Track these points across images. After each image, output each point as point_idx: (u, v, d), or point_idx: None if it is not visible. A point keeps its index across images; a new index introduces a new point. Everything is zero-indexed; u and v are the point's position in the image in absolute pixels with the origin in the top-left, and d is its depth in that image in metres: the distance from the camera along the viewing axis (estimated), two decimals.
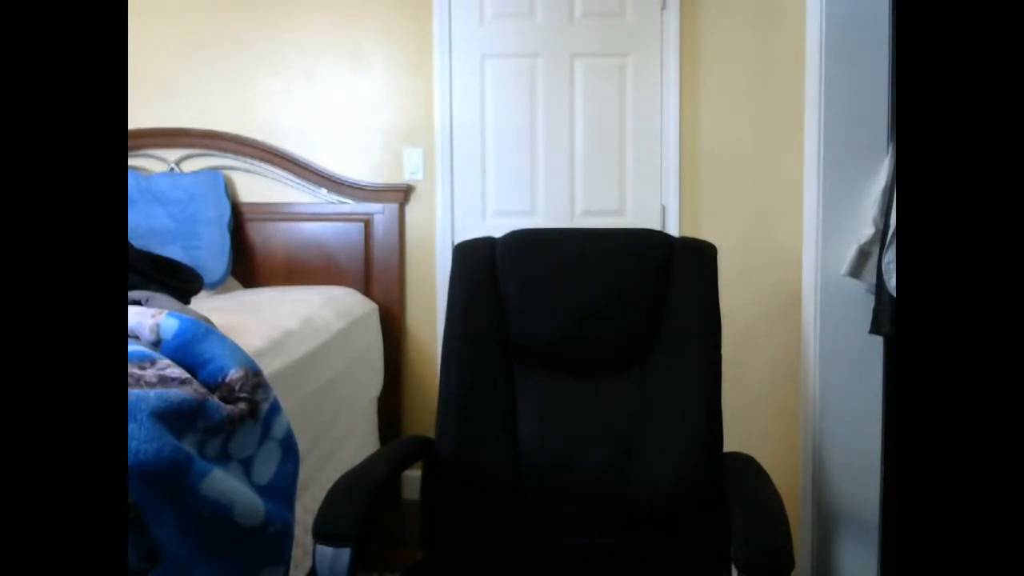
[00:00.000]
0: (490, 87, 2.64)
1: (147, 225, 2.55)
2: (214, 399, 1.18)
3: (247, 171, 2.73)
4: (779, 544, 1.05)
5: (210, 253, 2.56)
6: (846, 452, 1.85)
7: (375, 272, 2.70)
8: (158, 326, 1.27)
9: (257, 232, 2.72)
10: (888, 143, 1.81)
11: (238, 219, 2.69)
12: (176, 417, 1.08)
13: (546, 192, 2.63)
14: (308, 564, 1.61)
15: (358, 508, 1.16)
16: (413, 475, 1.87)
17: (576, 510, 1.44)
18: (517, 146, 2.63)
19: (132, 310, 1.32)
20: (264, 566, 1.20)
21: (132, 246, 1.72)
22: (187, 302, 1.68)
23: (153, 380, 1.12)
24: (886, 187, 1.77)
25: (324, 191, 2.71)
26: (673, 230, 2.55)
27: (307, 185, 2.71)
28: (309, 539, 1.18)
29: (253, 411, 1.25)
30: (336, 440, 2.10)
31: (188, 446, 1.09)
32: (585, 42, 2.60)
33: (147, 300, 1.49)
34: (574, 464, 1.45)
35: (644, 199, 2.58)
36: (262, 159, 2.71)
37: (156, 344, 1.26)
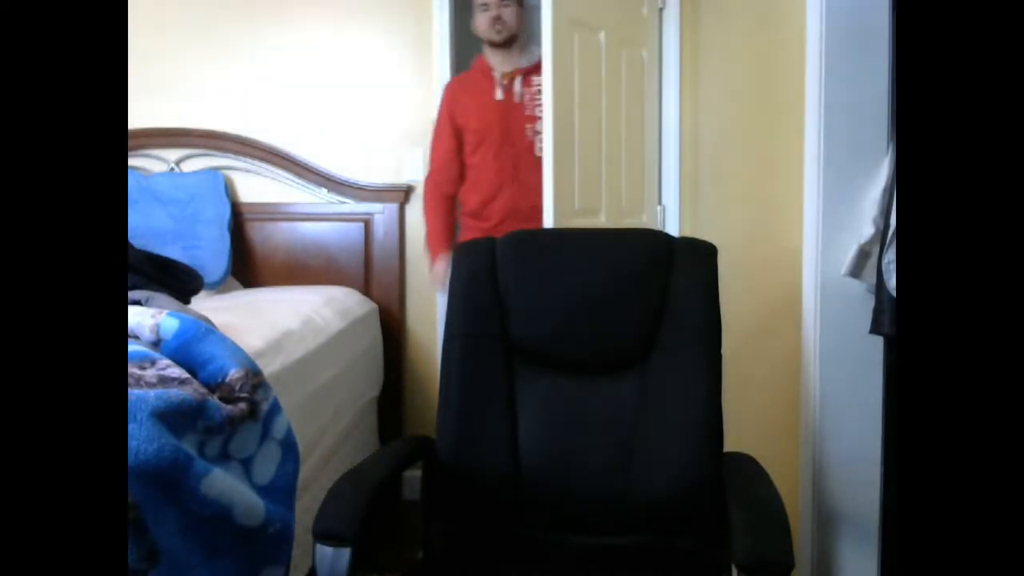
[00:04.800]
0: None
1: (147, 225, 2.55)
2: (214, 399, 1.18)
3: (247, 171, 2.73)
4: (779, 544, 1.05)
5: (210, 253, 2.56)
6: (846, 452, 1.84)
7: (375, 272, 2.70)
8: (158, 326, 1.27)
9: (257, 232, 2.72)
10: (888, 143, 1.81)
11: (238, 219, 2.69)
12: (176, 417, 1.08)
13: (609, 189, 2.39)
14: (308, 564, 1.61)
15: (358, 508, 1.16)
16: (413, 475, 1.86)
17: (576, 510, 1.44)
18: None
19: (132, 310, 1.32)
20: (264, 566, 1.20)
21: (132, 246, 1.72)
22: (187, 302, 1.68)
23: (153, 380, 1.12)
24: (886, 187, 1.77)
25: (324, 191, 2.71)
26: (673, 230, 2.54)
27: (307, 185, 2.71)
28: (309, 539, 1.18)
29: (253, 411, 1.25)
30: (336, 440, 2.10)
31: (188, 446, 1.09)
32: (622, 25, 2.42)
33: (147, 300, 1.49)
34: (574, 464, 1.45)
35: (644, 199, 2.57)
36: (262, 159, 2.71)
37: (156, 344, 1.26)
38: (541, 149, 2.26)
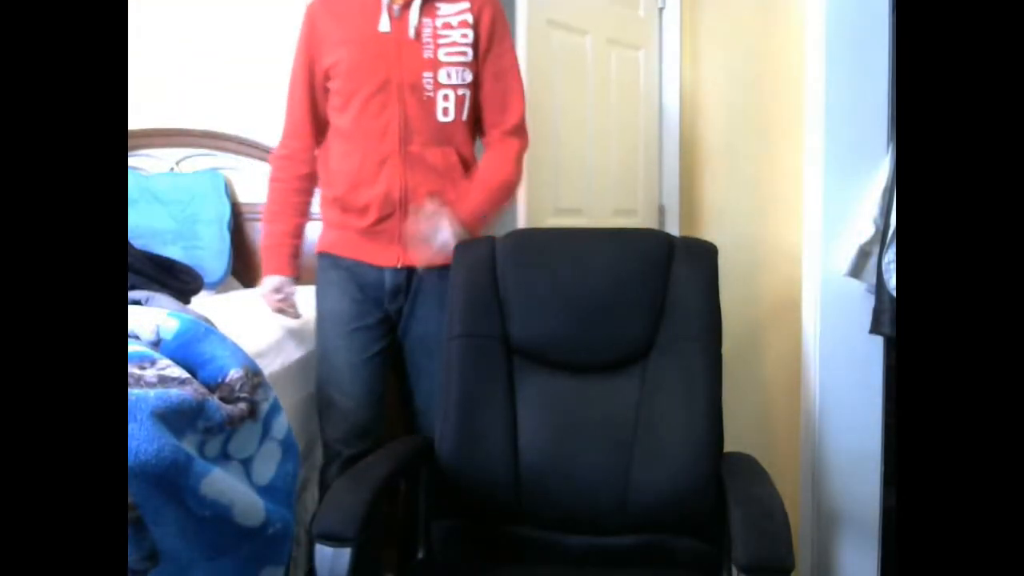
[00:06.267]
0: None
1: (147, 225, 2.55)
2: (214, 399, 1.19)
3: (247, 171, 2.73)
4: (779, 544, 1.05)
5: (210, 253, 2.56)
6: (846, 452, 1.85)
7: None
8: (158, 326, 1.27)
9: (257, 232, 2.71)
10: (888, 143, 1.81)
11: (238, 219, 2.69)
12: (176, 417, 1.08)
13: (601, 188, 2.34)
14: (308, 564, 1.61)
15: (358, 508, 1.16)
16: None
17: (576, 510, 1.44)
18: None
19: (132, 310, 1.32)
20: (264, 566, 1.20)
21: (132, 246, 1.72)
22: (187, 302, 1.68)
23: (153, 380, 1.13)
24: (886, 187, 1.77)
25: None
26: (673, 230, 2.54)
27: None
28: (309, 539, 1.18)
29: (253, 411, 1.25)
30: None
31: (188, 446, 1.09)
32: (614, 27, 2.39)
33: (147, 300, 1.49)
34: (574, 464, 1.45)
35: (643, 199, 2.57)
36: (262, 159, 2.70)
37: (156, 344, 1.26)
38: (447, 110, 1.63)
